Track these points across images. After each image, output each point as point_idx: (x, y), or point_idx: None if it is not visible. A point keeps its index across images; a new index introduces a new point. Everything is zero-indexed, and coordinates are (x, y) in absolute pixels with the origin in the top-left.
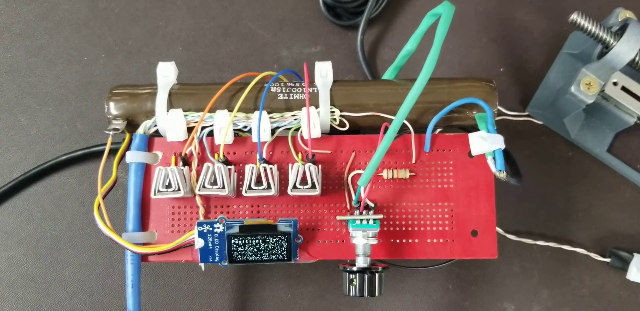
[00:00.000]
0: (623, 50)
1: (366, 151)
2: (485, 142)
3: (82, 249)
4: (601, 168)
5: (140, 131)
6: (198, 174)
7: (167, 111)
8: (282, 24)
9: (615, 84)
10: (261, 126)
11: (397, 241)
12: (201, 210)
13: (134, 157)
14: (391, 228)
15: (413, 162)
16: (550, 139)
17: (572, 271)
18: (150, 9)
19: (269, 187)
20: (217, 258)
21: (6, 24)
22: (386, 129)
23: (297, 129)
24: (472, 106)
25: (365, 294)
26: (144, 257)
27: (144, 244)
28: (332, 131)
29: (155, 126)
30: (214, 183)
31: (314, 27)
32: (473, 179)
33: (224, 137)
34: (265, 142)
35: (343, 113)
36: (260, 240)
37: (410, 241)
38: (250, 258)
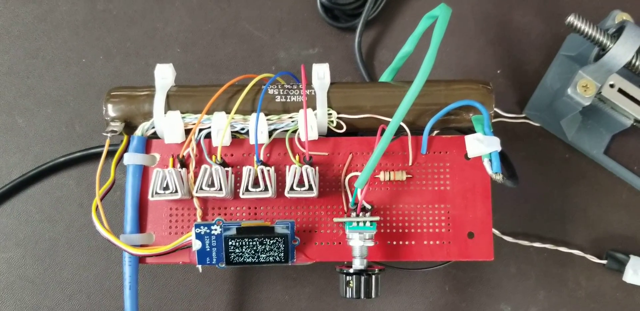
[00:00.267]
0: (620, 53)
1: (363, 153)
2: (482, 145)
3: (80, 250)
4: (598, 169)
5: (138, 132)
6: (195, 176)
7: (165, 112)
8: (279, 26)
9: (612, 86)
10: (258, 128)
11: (394, 243)
12: (199, 212)
13: (131, 159)
14: (388, 230)
15: (410, 164)
16: (547, 141)
17: (568, 273)
18: (149, 11)
19: (266, 189)
20: (214, 259)
21: (4, 25)
22: (383, 131)
23: (295, 131)
24: (469, 108)
25: (362, 296)
26: (141, 259)
27: (142, 246)
28: (330, 133)
29: (153, 127)
30: (212, 184)
31: (312, 29)
32: (469, 181)
33: (221, 139)
34: (262, 144)
35: (340, 115)
36: (258, 242)
37: (407, 243)
38: (248, 260)
